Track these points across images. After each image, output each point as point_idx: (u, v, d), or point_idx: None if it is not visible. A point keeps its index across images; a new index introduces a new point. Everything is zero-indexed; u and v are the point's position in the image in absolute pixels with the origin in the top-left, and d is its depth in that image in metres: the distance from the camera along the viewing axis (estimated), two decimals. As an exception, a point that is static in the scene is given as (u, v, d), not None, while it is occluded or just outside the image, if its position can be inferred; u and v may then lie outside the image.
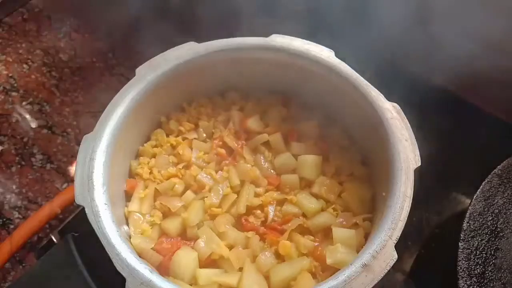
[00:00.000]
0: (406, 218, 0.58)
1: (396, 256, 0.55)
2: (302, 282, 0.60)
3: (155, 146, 0.77)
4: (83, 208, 0.59)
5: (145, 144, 0.77)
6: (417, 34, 0.93)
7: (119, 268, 0.55)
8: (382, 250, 0.55)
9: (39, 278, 0.62)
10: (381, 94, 0.69)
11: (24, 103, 1.07)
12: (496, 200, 0.74)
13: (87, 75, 1.12)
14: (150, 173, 0.74)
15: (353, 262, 0.55)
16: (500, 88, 0.92)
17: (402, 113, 0.67)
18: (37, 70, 1.12)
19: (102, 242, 0.56)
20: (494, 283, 0.67)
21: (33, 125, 1.03)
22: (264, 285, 0.62)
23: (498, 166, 0.77)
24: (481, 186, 0.74)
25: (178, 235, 0.68)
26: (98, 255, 0.56)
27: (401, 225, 0.58)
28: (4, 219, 0.90)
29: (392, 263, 0.55)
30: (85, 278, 0.60)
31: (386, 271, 0.54)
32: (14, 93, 1.08)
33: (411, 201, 0.59)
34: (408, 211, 0.59)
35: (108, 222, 0.58)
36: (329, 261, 0.61)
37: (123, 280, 0.54)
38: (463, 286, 0.66)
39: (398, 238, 0.57)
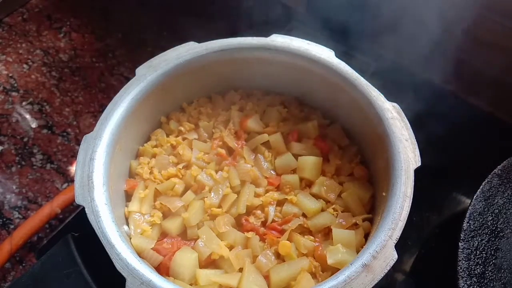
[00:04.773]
0: (406, 218, 0.58)
1: (396, 256, 0.55)
2: (302, 282, 0.60)
3: (155, 146, 0.78)
4: (83, 208, 0.59)
5: (145, 144, 0.77)
6: (416, 33, 0.93)
7: (119, 268, 0.55)
8: (382, 250, 0.55)
9: (39, 278, 0.62)
10: (381, 94, 0.69)
11: (24, 103, 1.06)
12: (496, 200, 0.74)
13: (87, 75, 1.12)
14: (150, 173, 0.74)
15: (353, 262, 0.55)
16: (500, 88, 0.93)
17: (402, 113, 0.67)
18: (37, 70, 1.12)
19: (102, 242, 0.56)
20: (494, 283, 0.67)
21: (33, 125, 1.03)
22: (264, 286, 0.62)
23: (498, 166, 0.77)
24: (481, 186, 0.74)
25: (178, 235, 0.68)
26: (98, 255, 0.56)
27: (401, 225, 0.58)
28: (4, 219, 0.90)
29: (392, 263, 0.55)
30: (85, 278, 0.60)
31: (386, 271, 0.54)
32: (14, 93, 1.08)
33: (411, 201, 0.59)
34: (408, 211, 0.59)
35: (108, 222, 0.58)
36: (330, 261, 0.61)
37: (123, 280, 0.54)
38: (463, 286, 0.66)
39: (398, 238, 0.57)
